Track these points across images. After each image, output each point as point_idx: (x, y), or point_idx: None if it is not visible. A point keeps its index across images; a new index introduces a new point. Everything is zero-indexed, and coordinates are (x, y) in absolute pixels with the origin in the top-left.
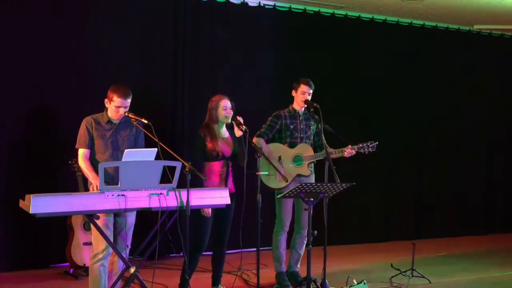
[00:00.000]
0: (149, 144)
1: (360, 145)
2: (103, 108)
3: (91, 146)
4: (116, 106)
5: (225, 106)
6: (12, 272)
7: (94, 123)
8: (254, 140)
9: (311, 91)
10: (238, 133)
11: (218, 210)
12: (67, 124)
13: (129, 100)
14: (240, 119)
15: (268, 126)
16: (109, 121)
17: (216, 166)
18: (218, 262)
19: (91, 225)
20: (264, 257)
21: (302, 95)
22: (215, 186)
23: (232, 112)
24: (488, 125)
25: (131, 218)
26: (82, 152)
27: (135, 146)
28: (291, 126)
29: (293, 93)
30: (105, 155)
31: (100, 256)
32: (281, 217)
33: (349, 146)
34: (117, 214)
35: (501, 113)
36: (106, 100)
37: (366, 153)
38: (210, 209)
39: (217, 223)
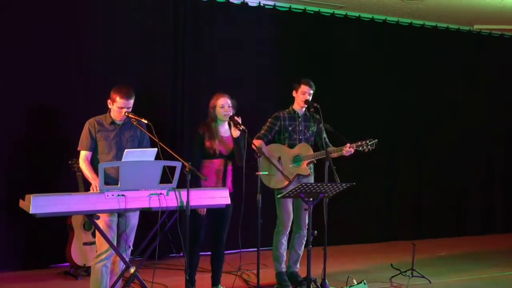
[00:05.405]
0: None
1: (359, 143)
2: (102, 108)
3: (93, 148)
4: (118, 107)
5: (222, 104)
6: (12, 272)
7: (97, 125)
8: (257, 143)
9: (311, 92)
10: (235, 133)
11: (215, 210)
12: (67, 124)
13: (131, 101)
14: (238, 119)
15: (268, 128)
16: (113, 122)
17: (213, 164)
18: (217, 262)
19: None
20: (264, 257)
21: (303, 95)
22: (212, 184)
23: (230, 110)
24: (488, 125)
25: (135, 219)
26: (84, 154)
27: (140, 147)
28: (290, 128)
29: (294, 93)
30: (109, 156)
31: (104, 256)
32: (282, 217)
33: (348, 145)
34: (120, 215)
35: (501, 113)
36: (109, 101)
37: (366, 151)
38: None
39: (215, 223)
